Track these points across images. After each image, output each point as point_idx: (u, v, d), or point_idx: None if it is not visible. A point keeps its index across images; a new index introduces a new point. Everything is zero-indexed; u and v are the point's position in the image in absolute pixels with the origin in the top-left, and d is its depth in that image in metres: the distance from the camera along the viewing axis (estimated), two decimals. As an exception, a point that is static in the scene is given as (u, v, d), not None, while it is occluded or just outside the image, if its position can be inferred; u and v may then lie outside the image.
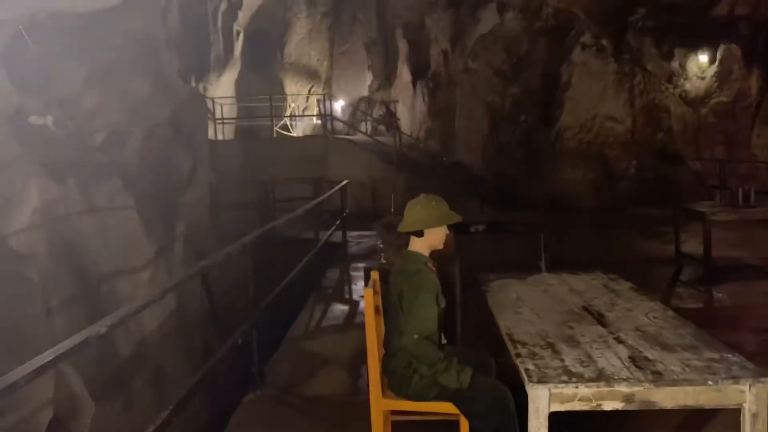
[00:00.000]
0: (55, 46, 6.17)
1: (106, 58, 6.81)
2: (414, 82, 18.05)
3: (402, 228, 2.73)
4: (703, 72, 13.24)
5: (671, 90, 13.51)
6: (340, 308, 6.04)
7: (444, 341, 2.77)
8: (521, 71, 14.37)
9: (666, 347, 2.22)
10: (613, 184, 12.84)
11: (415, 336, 2.50)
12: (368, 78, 21.25)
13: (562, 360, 2.14)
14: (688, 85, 13.47)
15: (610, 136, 13.30)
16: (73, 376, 3.64)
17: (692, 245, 6.88)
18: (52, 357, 1.81)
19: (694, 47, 13.30)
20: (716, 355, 2.12)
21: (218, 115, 15.96)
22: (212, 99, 15.53)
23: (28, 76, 5.82)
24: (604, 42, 13.66)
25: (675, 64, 13.53)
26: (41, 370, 1.73)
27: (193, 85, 14.22)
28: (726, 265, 6.43)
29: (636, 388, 1.96)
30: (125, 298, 5.13)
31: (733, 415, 2.02)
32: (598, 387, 1.96)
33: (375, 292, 2.78)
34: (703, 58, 13.18)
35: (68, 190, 5.08)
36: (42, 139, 5.33)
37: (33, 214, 4.12)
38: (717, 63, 12.99)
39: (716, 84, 12.98)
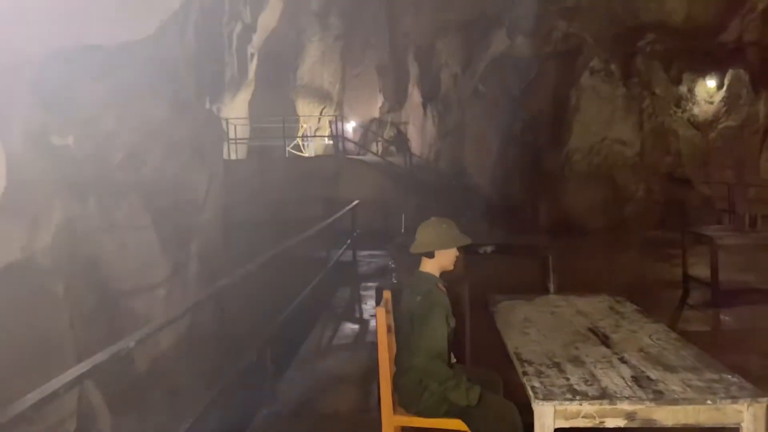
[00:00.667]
0: (79, 69, 6.40)
1: (126, 80, 7.04)
2: (424, 105, 18.28)
3: (414, 249, 2.84)
4: (711, 96, 13.36)
5: (680, 114, 13.61)
6: (350, 327, 6.14)
7: (454, 360, 2.87)
8: (531, 94, 14.53)
9: (668, 368, 2.31)
10: (622, 207, 12.89)
11: (426, 355, 2.61)
12: (379, 100, 21.53)
13: (567, 379, 2.23)
14: (696, 110, 13.58)
15: (619, 159, 13.39)
16: (92, 389, 3.76)
17: (700, 268, 6.93)
18: (88, 368, 1.93)
19: (702, 72, 13.44)
20: (716, 376, 2.21)
21: (232, 135, 16.22)
22: (226, 119, 15.80)
23: (51, 97, 6.04)
24: (613, 66, 13.82)
25: (683, 89, 13.66)
26: (79, 379, 1.85)
27: (208, 105, 14.49)
28: (733, 289, 6.48)
29: (638, 407, 2.05)
30: (142, 315, 5.26)
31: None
32: (601, 405, 2.05)
33: (387, 311, 2.89)
34: (711, 83, 13.30)
35: (89, 208, 5.24)
36: (64, 159, 5.51)
37: (57, 232, 4.28)
38: (725, 88, 13.10)
39: (724, 108, 13.08)
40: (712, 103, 13.37)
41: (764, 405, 2.01)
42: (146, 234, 6.18)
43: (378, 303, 3.05)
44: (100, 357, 2.07)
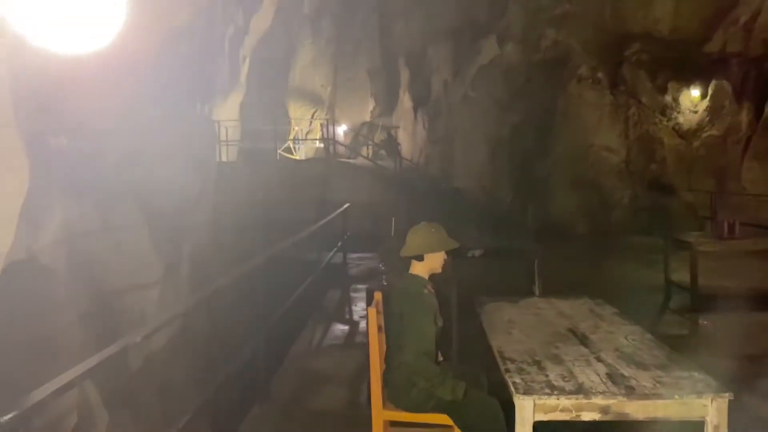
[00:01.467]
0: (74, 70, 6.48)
1: (121, 82, 7.13)
2: (415, 109, 18.46)
3: (404, 252, 2.99)
4: (696, 106, 13.66)
5: (665, 122, 13.90)
6: (340, 328, 6.26)
7: (441, 358, 3.01)
8: (519, 101, 14.77)
9: (640, 366, 2.47)
10: (608, 213, 13.13)
11: (414, 353, 2.75)
12: (370, 104, 21.69)
13: (547, 375, 2.38)
14: (681, 118, 13.87)
15: (606, 166, 13.64)
16: (89, 386, 3.86)
17: (682, 274, 7.12)
18: (94, 363, 2.05)
19: (687, 82, 13.75)
20: (684, 373, 2.37)
21: (223, 136, 16.29)
22: (218, 121, 15.87)
23: (48, 98, 6.13)
24: (600, 74, 14.09)
25: (668, 98, 13.95)
26: (85, 375, 1.97)
27: (200, 107, 14.56)
28: (713, 294, 6.68)
29: (611, 401, 2.20)
30: (136, 314, 5.37)
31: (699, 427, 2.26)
32: (577, 399, 2.20)
33: (378, 312, 3.03)
34: (695, 92, 13.60)
35: (85, 208, 5.33)
36: (61, 159, 5.60)
37: (55, 232, 4.37)
38: (708, 98, 13.41)
39: (708, 118, 13.39)
40: (696, 112, 13.67)
41: (727, 399, 2.17)
42: (140, 235, 6.27)
43: (369, 304, 3.19)
44: (106, 352, 2.19)
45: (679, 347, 2.89)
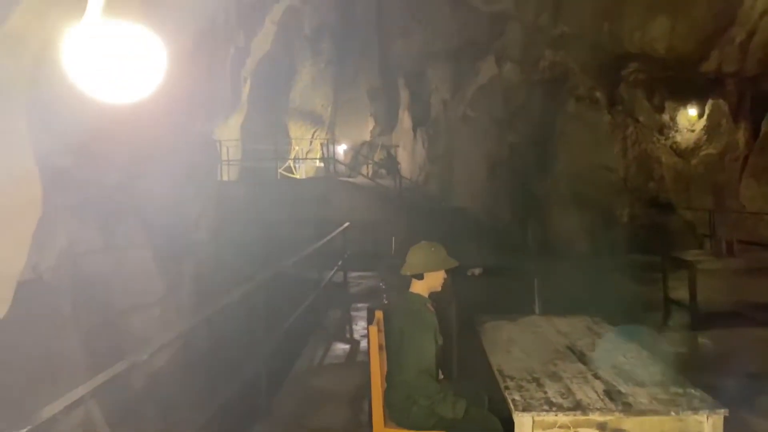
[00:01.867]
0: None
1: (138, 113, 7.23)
2: (415, 129, 18.62)
3: (404, 271, 3.04)
4: (693, 125, 13.79)
5: (662, 141, 14.02)
6: (341, 347, 6.28)
7: (441, 376, 3.05)
8: (518, 120, 14.91)
9: (637, 383, 2.51)
10: (607, 231, 13.18)
11: (415, 370, 2.79)
12: (370, 123, 21.88)
13: (545, 392, 2.42)
14: (678, 137, 13.99)
15: (604, 185, 13.72)
16: (93, 404, 3.88)
17: (682, 292, 7.15)
18: (102, 381, 2.10)
19: (684, 101, 13.88)
20: (680, 390, 2.41)
21: (224, 156, 16.42)
22: (219, 141, 16.01)
23: (51, 118, 6.23)
24: (598, 94, 14.24)
25: (666, 117, 14.08)
26: (94, 392, 2.02)
27: (201, 127, 14.69)
28: (711, 312, 6.71)
29: (608, 417, 2.24)
30: (139, 333, 5.39)
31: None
32: (575, 415, 2.24)
33: (379, 330, 3.07)
34: (692, 111, 13.74)
35: (89, 228, 5.40)
36: (66, 180, 5.68)
37: (60, 251, 4.43)
38: (705, 117, 13.54)
39: (705, 137, 13.51)
40: (693, 131, 13.79)
41: (722, 416, 2.21)
42: (142, 254, 6.33)
43: (370, 322, 3.23)
44: (113, 370, 2.23)
45: (678, 365, 2.93)
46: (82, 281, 4.94)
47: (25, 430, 1.64)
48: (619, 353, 2.97)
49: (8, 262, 2.17)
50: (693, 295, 6.46)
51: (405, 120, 19.30)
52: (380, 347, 3.02)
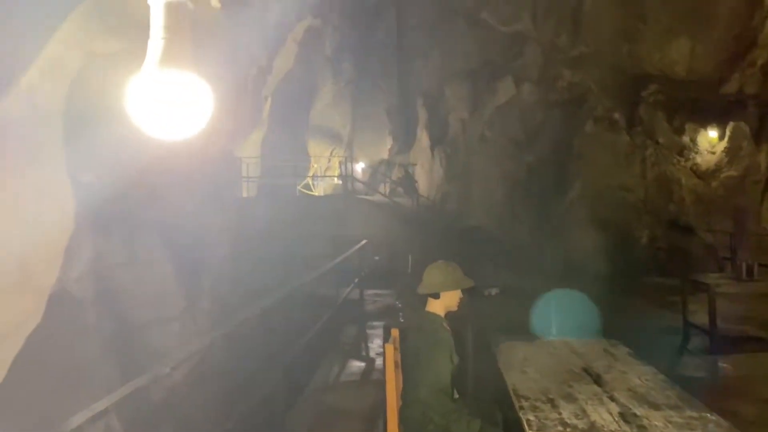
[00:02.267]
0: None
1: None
2: (432, 148, 18.69)
3: (421, 290, 3.08)
4: (713, 147, 13.70)
5: (682, 163, 13.93)
6: (357, 364, 6.30)
7: (456, 395, 3.07)
8: (536, 140, 14.93)
9: (653, 405, 2.51)
10: (626, 253, 13.07)
11: (430, 389, 2.81)
12: (388, 142, 22.01)
13: (560, 413, 2.44)
14: (698, 159, 13.90)
15: (623, 206, 13.64)
16: (113, 417, 3.95)
17: (701, 316, 7.07)
18: (127, 393, 2.16)
19: (704, 123, 13.81)
20: (695, 414, 2.40)
21: (244, 173, 16.63)
22: (240, 158, 16.22)
23: (76, 134, 6.41)
24: (617, 115, 14.23)
25: (686, 138, 14.01)
26: (118, 403, 2.08)
27: (226, 145, 14.93)
28: (731, 336, 6.62)
29: (623, 440, 2.25)
30: (158, 346, 5.48)
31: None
32: (589, 437, 2.25)
33: (395, 348, 3.10)
34: (713, 133, 13.65)
35: (113, 243, 5.52)
36: (90, 195, 5.83)
37: (85, 264, 4.55)
38: (726, 139, 13.44)
39: (726, 159, 13.40)
40: (714, 153, 13.69)
41: (738, 441, 2.21)
42: (163, 269, 6.44)
43: (386, 340, 3.27)
44: (137, 382, 2.30)
45: (697, 389, 2.92)
46: (105, 294, 5.05)
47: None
48: (634, 375, 2.97)
49: (42, 274, 2.26)
50: (712, 318, 6.38)
51: (423, 139, 19.40)
52: (396, 365, 3.05)
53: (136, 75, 1.40)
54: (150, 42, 1.44)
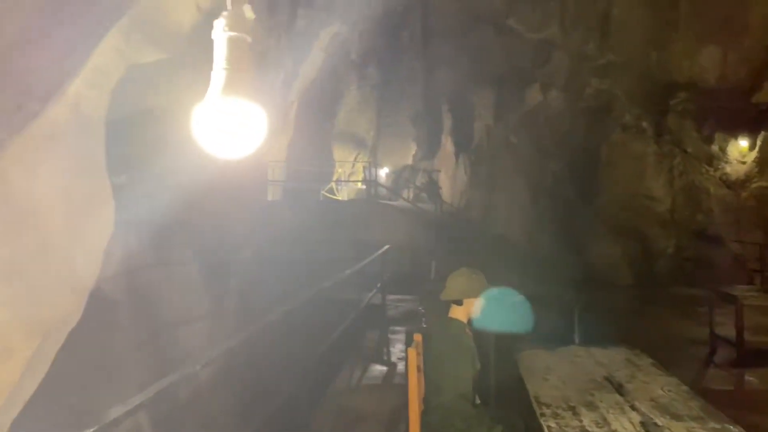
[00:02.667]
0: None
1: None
2: (457, 154, 18.70)
3: (444, 296, 3.12)
4: (744, 157, 13.46)
5: (711, 172, 13.72)
6: (378, 369, 6.35)
7: (478, 401, 3.10)
8: (562, 148, 14.83)
9: (675, 416, 2.52)
10: (652, 263, 12.92)
11: (452, 394, 2.85)
12: (413, 147, 22.08)
13: (581, 421, 2.46)
14: (728, 168, 13.67)
15: (650, 215, 13.49)
16: (142, 415, 4.07)
17: (729, 328, 6.97)
18: (161, 388, 2.24)
19: (734, 132, 13.59)
20: (718, 426, 2.41)
21: (270, 176, 16.82)
22: (266, 162, 16.41)
23: (114, 138, 6.59)
24: (645, 124, 14.08)
25: (715, 148, 13.80)
26: (151, 400, 2.17)
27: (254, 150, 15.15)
28: (759, 349, 6.51)
29: (644, 449, 2.27)
30: (185, 346, 5.60)
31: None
32: (610, 445, 2.27)
33: (417, 353, 3.15)
34: (744, 143, 13.42)
35: (143, 243, 5.67)
36: (122, 197, 5.99)
37: (118, 264, 4.69)
38: (757, 149, 13.20)
39: (757, 169, 13.15)
40: (744, 163, 13.46)
41: (761, 454, 2.21)
42: (190, 270, 6.58)
43: (409, 345, 3.32)
44: (168, 380, 2.38)
45: (723, 403, 2.91)
46: (135, 293, 5.19)
47: (91, 430, 1.79)
48: (657, 386, 2.97)
49: (83, 274, 2.37)
50: (740, 331, 6.29)
51: (447, 145, 19.42)
52: (418, 370, 3.10)
53: (201, 102, 1.57)
54: (213, 73, 1.66)
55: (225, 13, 1.60)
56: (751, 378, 5.92)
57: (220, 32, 1.60)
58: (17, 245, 1.89)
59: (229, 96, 1.62)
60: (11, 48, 2.01)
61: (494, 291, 3.47)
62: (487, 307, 3.44)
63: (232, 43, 1.63)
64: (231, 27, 1.59)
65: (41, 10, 2.03)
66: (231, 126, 1.63)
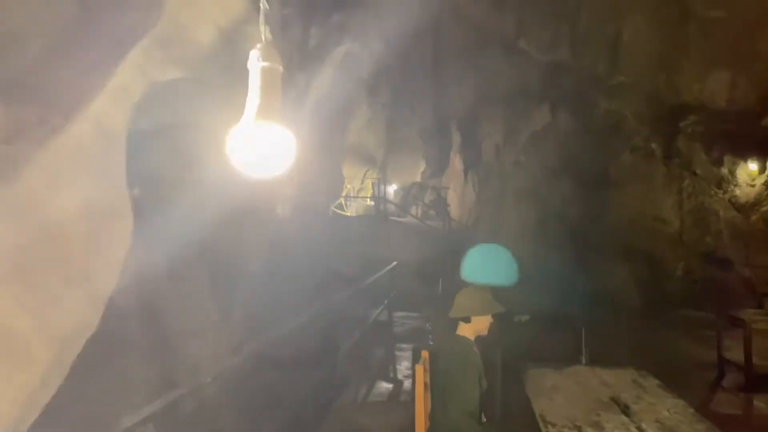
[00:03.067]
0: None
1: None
2: (465, 171, 18.77)
3: (452, 314, 3.16)
4: (753, 180, 13.44)
5: (720, 195, 13.69)
6: (384, 385, 6.35)
7: (484, 419, 3.12)
8: (571, 168, 14.85)
9: (681, 438, 2.53)
10: (661, 285, 12.85)
11: (459, 412, 2.87)
12: (422, 165, 22.17)
13: (586, 440, 2.48)
14: (737, 191, 13.64)
15: (658, 237, 13.45)
16: (150, 427, 4.10)
17: (737, 352, 6.93)
18: (171, 400, 2.29)
19: (744, 155, 13.58)
20: (724, 448, 2.42)
21: (281, 191, 16.93)
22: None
23: (132, 152, 6.70)
24: (654, 145, 14.10)
25: (724, 170, 13.78)
26: (163, 410, 2.21)
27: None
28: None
29: (649, 470, 2.28)
30: (193, 358, 5.64)
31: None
32: (615, 465, 2.29)
33: (425, 370, 3.18)
34: (753, 166, 13.41)
35: (155, 256, 5.74)
36: (137, 208, 6.07)
37: (130, 276, 4.75)
38: (767, 172, 13.18)
39: (766, 192, 13.12)
40: (753, 186, 13.43)
41: (766, 477, 2.22)
42: (199, 282, 6.64)
43: (416, 362, 3.34)
44: (178, 391, 2.43)
45: (730, 427, 2.92)
46: (146, 305, 5.25)
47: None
48: (663, 408, 2.98)
49: (101, 286, 2.43)
50: (748, 355, 6.26)
51: (456, 163, 19.50)
52: (425, 387, 3.12)
53: (236, 126, 1.68)
54: (248, 100, 1.80)
55: (260, 46, 1.76)
56: (759, 403, 5.87)
57: (255, 62, 1.74)
58: (40, 255, 1.95)
59: (262, 121, 1.75)
60: (36, 63, 2.09)
61: (481, 246, 3.55)
62: (472, 260, 3.51)
63: (266, 72, 1.77)
64: (265, 58, 1.74)
65: (66, 29, 2.11)
66: (263, 149, 1.76)
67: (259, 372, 6.60)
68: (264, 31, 1.81)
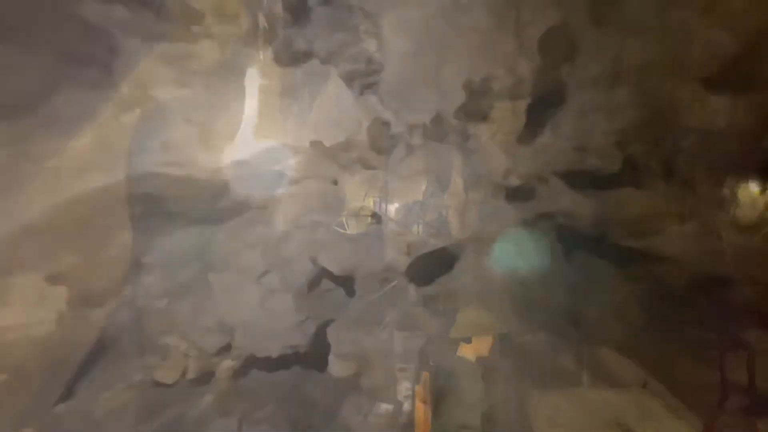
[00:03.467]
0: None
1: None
2: (467, 191, 18.75)
3: (452, 334, 3.14)
4: (755, 200, 13.42)
5: (722, 216, 13.66)
6: (384, 407, 6.28)
7: (485, 440, 3.08)
8: (571, 186, 14.83)
9: (684, 462, 2.48)
10: (662, 305, 12.77)
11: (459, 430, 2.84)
12: (423, 184, 22.17)
13: (589, 463, 2.43)
14: (739, 212, 13.61)
15: (660, 256, 13.39)
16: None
17: (741, 373, 6.87)
18: (163, 421, 2.25)
19: (745, 176, 13.58)
20: (729, 473, 2.37)
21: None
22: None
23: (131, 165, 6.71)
24: (654, 165, 14.10)
25: (726, 191, 13.77)
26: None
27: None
28: (772, 397, 6.40)
29: (653, 495, 2.23)
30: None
31: None
32: (618, 490, 2.24)
33: (425, 390, 3.15)
34: (755, 187, 13.40)
35: (154, 278, 5.74)
36: (138, 230, 6.08)
37: (126, 294, 4.74)
38: (769, 193, 13.18)
39: (768, 213, 13.10)
40: (755, 206, 13.40)
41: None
42: (199, 300, 6.62)
43: (416, 383, 3.32)
44: (169, 413, 2.39)
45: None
46: (136, 323, 5.24)
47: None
48: (667, 430, 2.93)
49: (107, 298, 2.42)
50: (752, 377, 6.20)
51: (457, 182, 19.50)
52: (426, 407, 3.09)
53: (234, 142, 1.67)
54: (245, 116, 1.77)
55: (257, 65, 1.74)
56: (764, 426, 5.80)
57: (252, 80, 1.73)
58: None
59: (261, 138, 1.73)
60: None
61: (511, 233, 3.52)
62: (502, 248, 3.48)
63: (263, 90, 1.75)
64: (263, 76, 1.73)
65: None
66: (261, 166, 1.74)
67: (258, 388, 6.55)
68: (263, 50, 1.80)
